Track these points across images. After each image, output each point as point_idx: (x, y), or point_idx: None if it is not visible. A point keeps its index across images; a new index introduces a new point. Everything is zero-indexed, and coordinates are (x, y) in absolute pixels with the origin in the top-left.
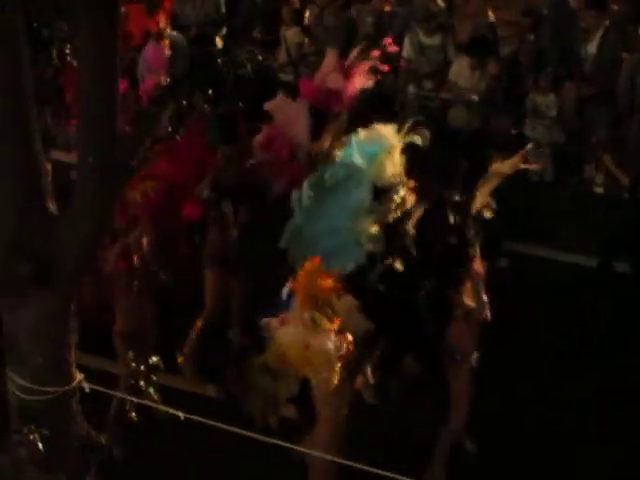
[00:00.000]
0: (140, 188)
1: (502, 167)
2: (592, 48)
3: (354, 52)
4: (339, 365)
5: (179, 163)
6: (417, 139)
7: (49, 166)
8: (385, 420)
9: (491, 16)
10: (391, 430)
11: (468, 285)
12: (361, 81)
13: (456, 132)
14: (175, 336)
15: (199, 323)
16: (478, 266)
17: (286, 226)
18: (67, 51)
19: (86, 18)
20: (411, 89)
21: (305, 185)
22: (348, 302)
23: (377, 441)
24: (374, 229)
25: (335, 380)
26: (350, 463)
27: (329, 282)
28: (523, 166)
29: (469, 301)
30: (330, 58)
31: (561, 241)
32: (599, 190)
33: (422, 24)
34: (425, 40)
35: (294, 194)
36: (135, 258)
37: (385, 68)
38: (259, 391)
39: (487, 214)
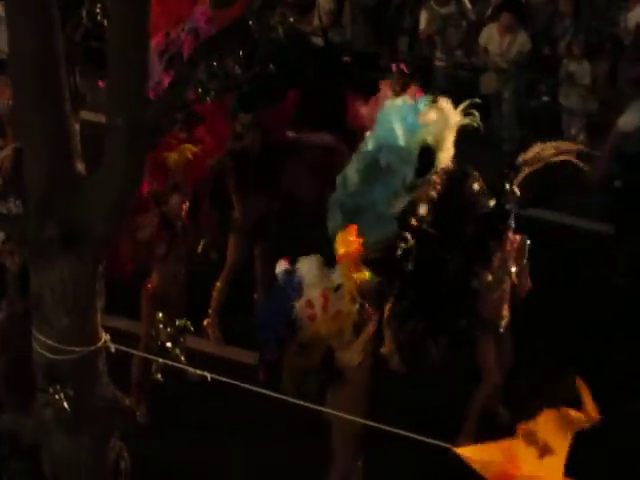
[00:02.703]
0: (179, 152)
1: (547, 152)
2: (635, 17)
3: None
4: (365, 332)
5: (215, 128)
6: (472, 120)
7: (78, 126)
8: (416, 387)
9: None
10: (422, 397)
11: (499, 258)
12: None
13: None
14: (203, 299)
15: (219, 284)
16: (513, 238)
17: (329, 200)
18: (97, 11)
19: None
20: (440, 61)
21: (353, 164)
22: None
23: (407, 407)
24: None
25: (359, 347)
26: (374, 424)
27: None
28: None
29: (494, 275)
30: (385, 90)
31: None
32: None
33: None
34: (442, 11)
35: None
36: (176, 224)
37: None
38: (291, 370)
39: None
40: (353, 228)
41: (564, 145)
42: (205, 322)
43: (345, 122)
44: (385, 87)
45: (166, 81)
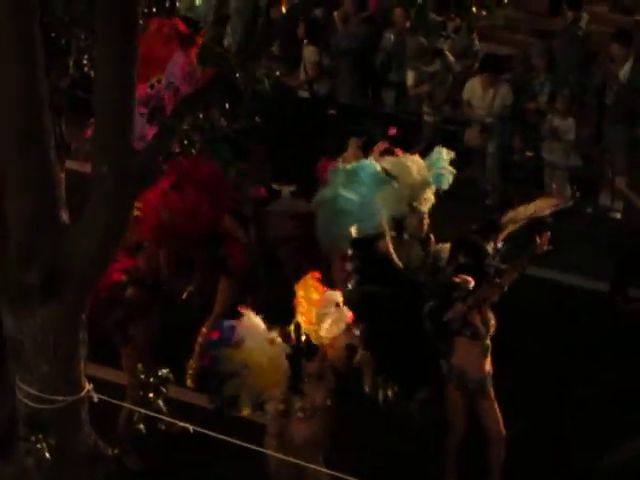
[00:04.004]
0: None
1: (527, 211)
2: (622, 77)
3: (375, 149)
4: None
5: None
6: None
7: (63, 175)
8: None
9: None
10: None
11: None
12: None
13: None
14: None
15: (205, 330)
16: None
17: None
18: (84, 61)
19: (105, 27)
20: (428, 116)
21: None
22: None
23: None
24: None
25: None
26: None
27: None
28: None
29: (478, 322)
30: (352, 147)
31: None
32: (615, 215)
33: (421, 59)
34: (428, 69)
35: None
36: (146, 280)
37: (399, 152)
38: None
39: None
40: (315, 275)
41: (544, 203)
42: (189, 368)
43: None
44: (352, 145)
45: (150, 132)
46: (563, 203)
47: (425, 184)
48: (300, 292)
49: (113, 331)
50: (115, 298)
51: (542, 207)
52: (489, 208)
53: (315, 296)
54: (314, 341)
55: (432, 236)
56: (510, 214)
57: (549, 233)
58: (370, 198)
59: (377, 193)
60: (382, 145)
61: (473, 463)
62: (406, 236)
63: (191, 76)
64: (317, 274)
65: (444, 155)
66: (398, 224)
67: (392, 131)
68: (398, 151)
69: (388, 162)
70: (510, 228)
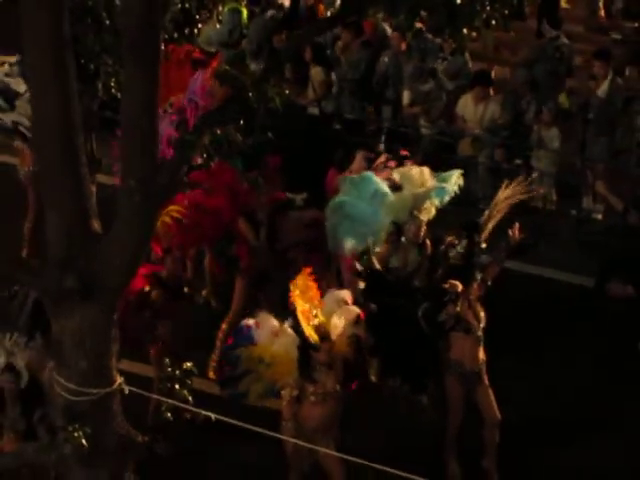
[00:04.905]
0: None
1: (507, 194)
2: (602, 93)
3: (379, 161)
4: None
5: (214, 190)
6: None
7: (94, 188)
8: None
9: None
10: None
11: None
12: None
13: None
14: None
15: (224, 326)
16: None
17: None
18: (112, 85)
19: (131, 55)
20: (424, 129)
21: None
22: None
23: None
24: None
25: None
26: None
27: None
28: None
29: (470, 317)
30: (359, 161)
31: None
32: (597, 216)
33: (417, 79)
34: (423, 88)
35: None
36: (173, 282)
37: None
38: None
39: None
40: (307, 271)
41: (512, 191)
42: (211, 361)
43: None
44: (359, 158)
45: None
46: (525, 193)
47: (427, 196)
48: (296, 290)
49: (142, 331)
50: (142, 301)
51: (508, 196)
52: (482, 212)
53: (311, 292)
54: (321, 334)
55: (428, 241)
56: (485, 213)
57: (518, 224)
58: (373, 205)
59: (382, 201)
60: (384, 158)
61: (470, 445)
62: (404, 240)
63: (210, 93)
64: (310, 271)
65: (455, 178)
66: (398, 229)
67: (403, 152)
68: (408, 162)
69: (397, 172)
70: (490, 225)
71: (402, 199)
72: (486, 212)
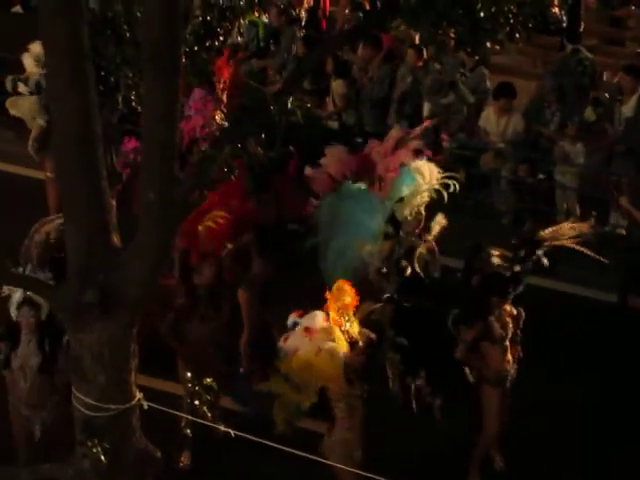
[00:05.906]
0: (207, 221)
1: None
2: (628, 110)
3: (416, 131)
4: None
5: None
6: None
7: (114, 202)
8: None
9: None
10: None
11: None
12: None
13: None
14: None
15: (243, 342)
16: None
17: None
18: (132, 97)
19: (151, 67)
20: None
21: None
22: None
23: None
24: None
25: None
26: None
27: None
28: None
29: (498, 328)
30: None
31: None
32: (621, 231)
33: (437, 92)
34: (443, 101)
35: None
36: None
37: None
38: (281, 399)
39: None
40: (346, 282)
41: (581, 227)
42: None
43: None
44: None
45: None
46: (591, 229)
47: (431, 192)
48: (332, 297)
49: (167, 335)
50: (166, 304)
51: (575, 230)
52: (504, 227)
53: (348, 299)
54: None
55: (436, 246)
56: (549, 232)
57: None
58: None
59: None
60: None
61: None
62: (402, 234)
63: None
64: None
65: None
66: (396, 224)
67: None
68: (426, 152)
69: (415, 165)
70: (546, 244)
71: (417, 191)
72: (547, 231)
